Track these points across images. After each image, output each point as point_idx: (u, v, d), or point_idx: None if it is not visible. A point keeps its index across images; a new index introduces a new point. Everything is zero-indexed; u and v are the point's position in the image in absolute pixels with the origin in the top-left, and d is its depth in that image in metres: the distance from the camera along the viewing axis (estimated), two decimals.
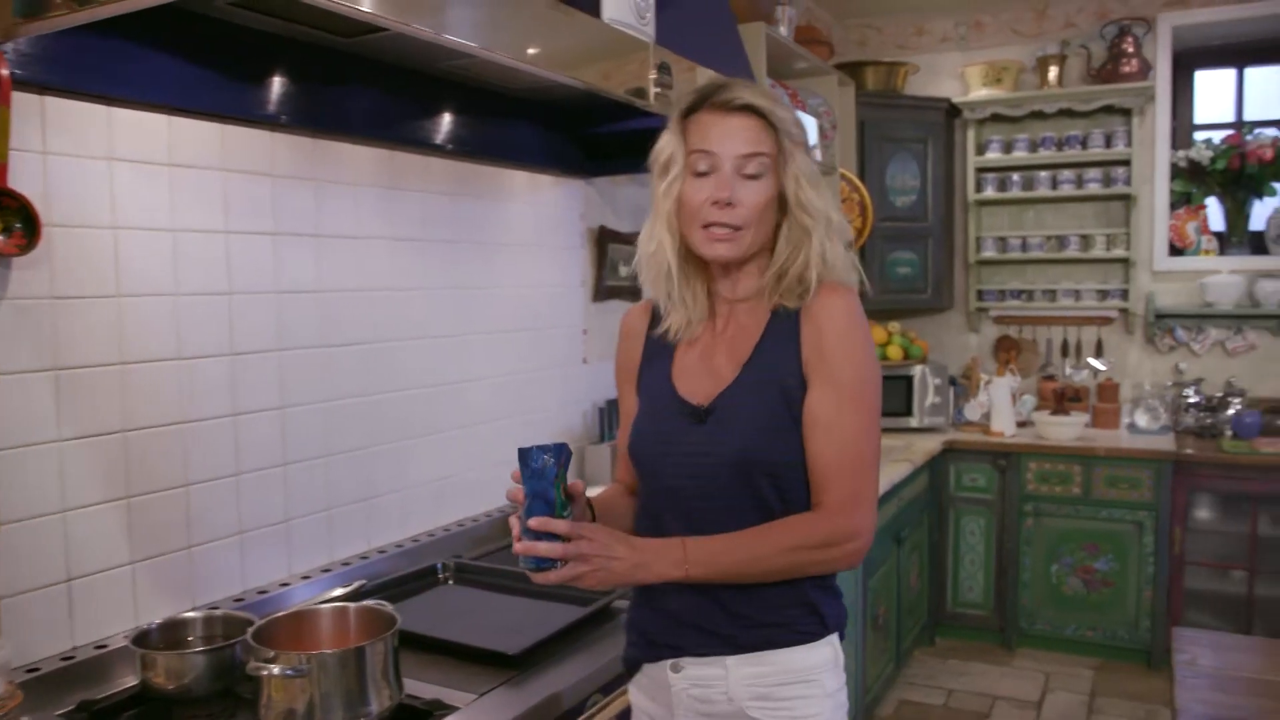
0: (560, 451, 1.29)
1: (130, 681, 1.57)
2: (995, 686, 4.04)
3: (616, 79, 1.91)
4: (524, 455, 1.29)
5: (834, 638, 1.43)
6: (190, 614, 1.68)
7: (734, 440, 1.38)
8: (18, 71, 1.47)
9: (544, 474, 1.28)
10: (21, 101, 1.50)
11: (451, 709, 1.50)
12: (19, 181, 1.50)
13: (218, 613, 1.69)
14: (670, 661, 1.43)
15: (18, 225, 1.50)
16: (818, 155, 2.89)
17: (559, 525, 1.26)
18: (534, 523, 1.26)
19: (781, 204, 1.42)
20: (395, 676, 1.45)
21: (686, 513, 1.41)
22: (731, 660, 1.39)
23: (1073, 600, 4.27)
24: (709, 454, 1.39)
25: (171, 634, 1.62)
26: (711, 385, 1.43)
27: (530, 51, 1.69)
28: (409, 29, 1.46)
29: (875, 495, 1.38)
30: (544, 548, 1.25)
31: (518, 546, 1.27)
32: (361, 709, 1.40)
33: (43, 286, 1.57)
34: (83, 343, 1.63)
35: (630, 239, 3.13)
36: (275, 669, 1.35)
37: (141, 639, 1.56)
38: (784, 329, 1.41)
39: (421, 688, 1.56)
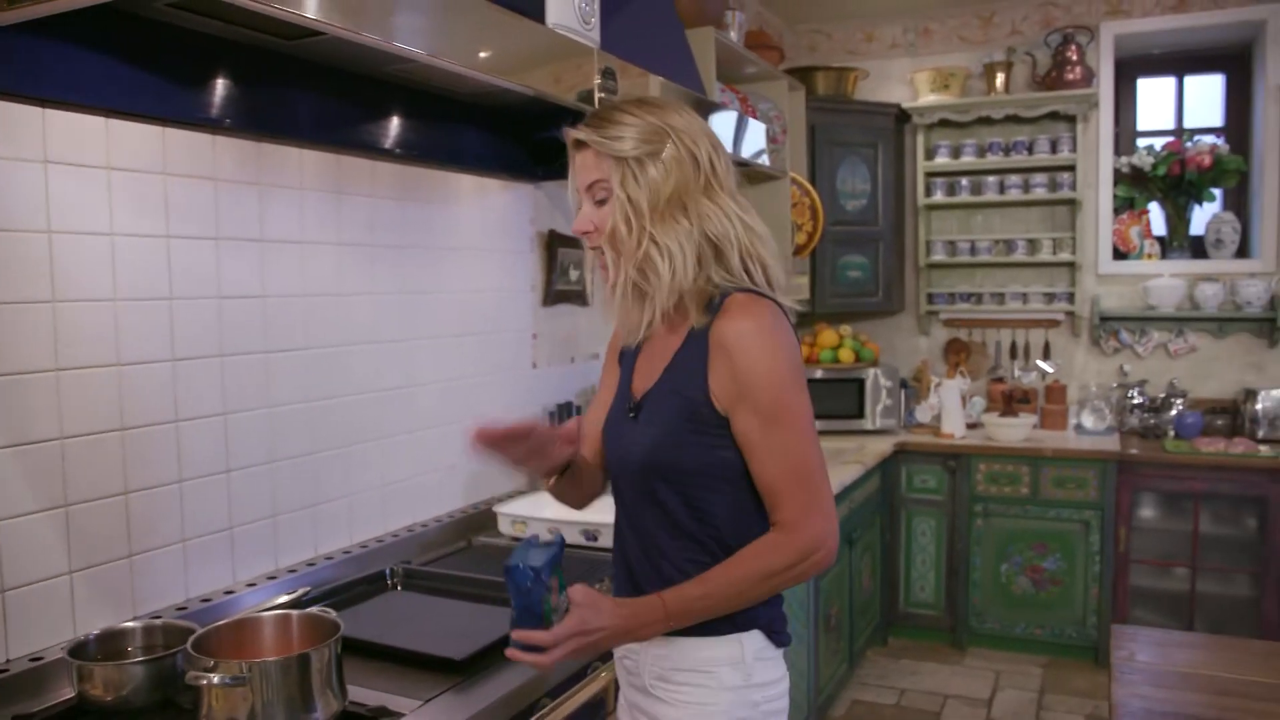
0: (551, 561, 1.31)
1: (67, 694, 1.54)
2: (946, 685, 4.09)
3: (564, 84, 1.92)
4: (510, 573, 1.31)
5: (745, 635, 1.44)
6: (130, 624, 1.66)
7: (645, 440, 1.46)
8: None
9: (531, 593, 1.30)
10: None
11: (397, 715, 1.50)
12: None
13: (158, 622, 1.66)
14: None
15: None
16: (765, 160, 2.91)
17: (542, 638, 1.30)
18: (518, 635, 1.31)
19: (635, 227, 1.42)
20: (339, 684, 1.44)
21: (621, 500, 1.53)
22: (667, 641, 1.45)
23: (1022, 599, 4.34)
24: (632, 447, 1.47)
25: (110, 644, 1.60)
26: (647, 384, 1.50)
27: (476, 57, 1.69)
28: (352, 34, 1.45)
29: (829, 500, 1.41)
30: (530, 659, 1.31)
31: (508, 653, 1.34)
32: (305, 717, 1.38)
33: None
34: (16, 349, 1.60)
35: (581, 244, 3.13)
36: (215, 678, 1.34)
37: (78, 650, 1.54)
38: (694, 345, 1.43)
39: (366, 694, 1.55)
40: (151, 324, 1.82)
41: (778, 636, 1.48)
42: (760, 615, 1.45)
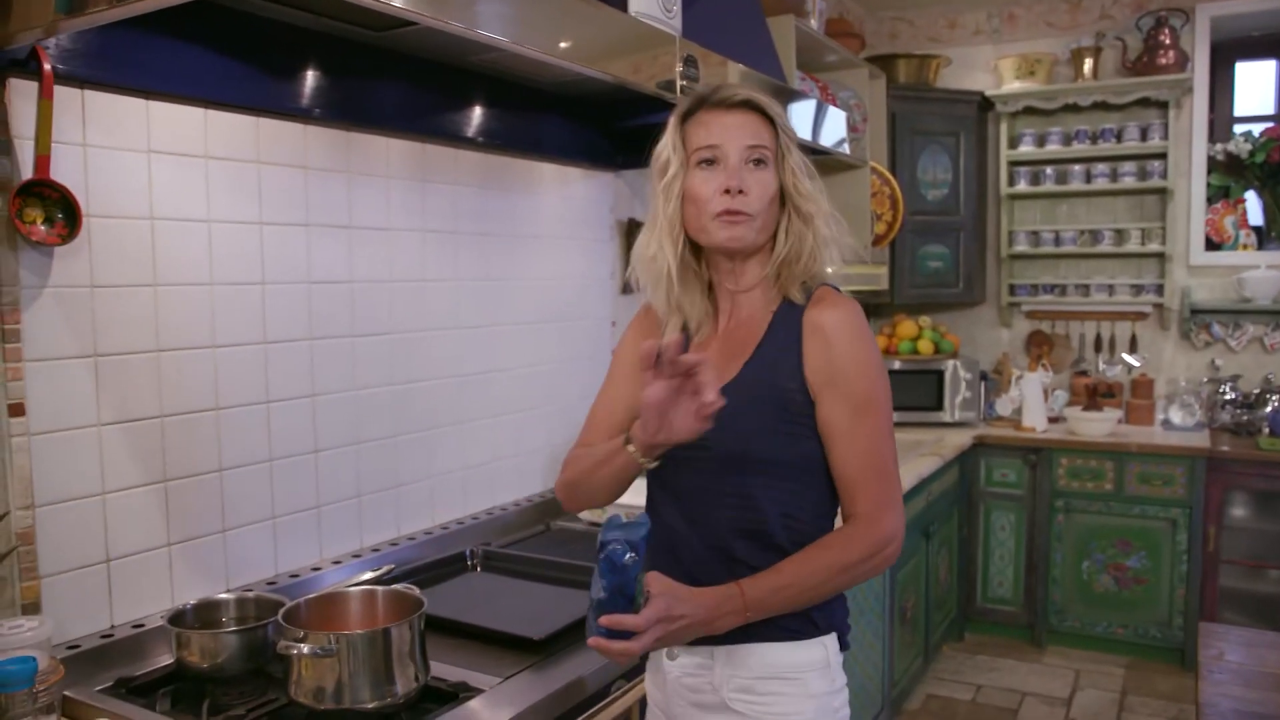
0: (643, 539, 1.24)
1: (166, 660, 1.61)
2: (1024, 683, 4.02)
3: (645, 72, 1.93)
4: (605, 550, 1.23)
5: (826, 639, 1.43)
6: (224, 595, 1.72)
7: (728, 438, 1.37)
8: (59, 66, 1.51)
9: (627, 570, 1.23)
10: (63, 95, 1.54)
11: (477, 691, 1.53)
12: (60, 173, 1.55)
13: (250, 594, 1.73)
14: (667, 650, 1.45)
15: (59, 216, 1.55)
16: (845, 148, 2.88)
17: (633, 622, 1.23)
18: (609, 620, 1.23)
19: (780, 198, 1.45)
20: (421, 658, 1.48)
21: (677, 494, 1.45)
22: (719, 651, 1.41)
23: (1104, 597, 4.24)
24: (705, 448, 1.38)
25: (206, 614, 1.67)
26: (728, 369, 1.43)
27: (559, 45, 1.70)
28: (439, 23, 1.48)
29: (901, 498, 1.41)
30: (619, 648, 1.24)
31: (592, 642, 1.26)
32: (388, 688, 1.43)
33: (83, 275, 1.61)
34: (121, 330, 1.67)
35: None
36: (305, 648, 1.38)
37: (177, 618, 1.61)
38: (787, 331, 1.42)
39: (447, 670, 1.59)
40: (245, 308, 1.89)
41: (846, 642, 1.47)
42: (838, 616, 1.44)
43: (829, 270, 1.47)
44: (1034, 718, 3.72)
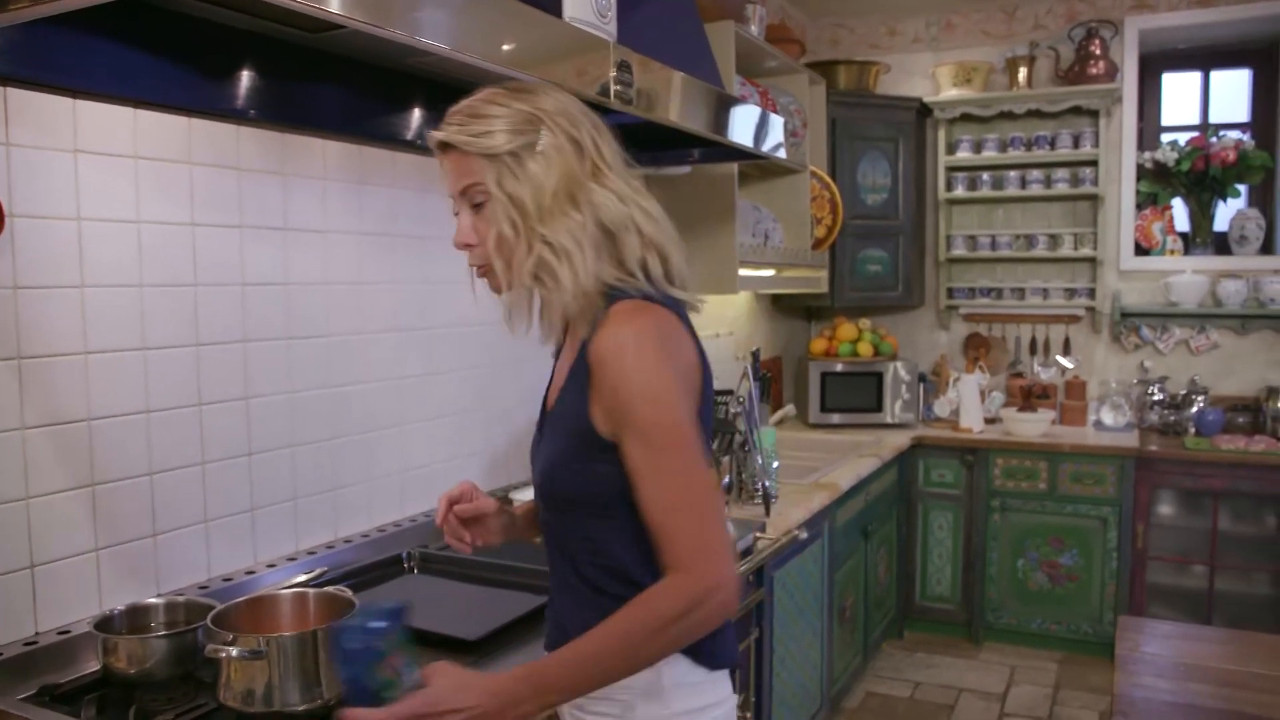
0: (387, 628, 1.16)
1: (92, 666, 1.59)
2: (961, 679, 4.10)
3: (583, 77, 1.94)
4: (334, 636, 1.16)
5: (663, 663, 1.28)
6: (154, 600, 1.70)
7: (538, 473, 1.38)
8: None
9: (357, 661, 1.14)
10: None
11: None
12: None
13: (180, 599, 1.71)
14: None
15: None
16: (783, 153, 2.92)
17: (372, 716, 1.12)
18: (344, 715, 1.13)
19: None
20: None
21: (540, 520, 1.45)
22: None
23: (1038, 594, 4.34)
24: (536, 471, 1.40)
25: (135, 619, 1.65)
26: (551, 399, 1.40)
27: (496, 50, 1.71)
28: (373, 29, 1.48)
29: (721, 536, 1.23)
30: None
31: None
32: (318, 690, 1.42)
33: (6, 276, 1.59)
34: (46, 332, 1.65)
35: None
36: (234, 651, 1.38)
37: (104, 624, 1.59)
38: (580, 366, 1.28)
39: None
40: (176, 309, 1.87)
41: (710, 658, 1.33)
42: None
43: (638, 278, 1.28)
44: (970, 713, 3.80)
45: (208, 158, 1.91)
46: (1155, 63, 4.69)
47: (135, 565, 1.81)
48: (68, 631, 1.66)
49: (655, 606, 1.19)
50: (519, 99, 1.28)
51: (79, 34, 1.59)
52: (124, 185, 1.77)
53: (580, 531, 1.33)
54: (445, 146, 1.30)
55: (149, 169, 1.81)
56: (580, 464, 1.29)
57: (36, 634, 1.64)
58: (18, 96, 1.59)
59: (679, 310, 1.32)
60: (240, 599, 1.61)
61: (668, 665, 1.29)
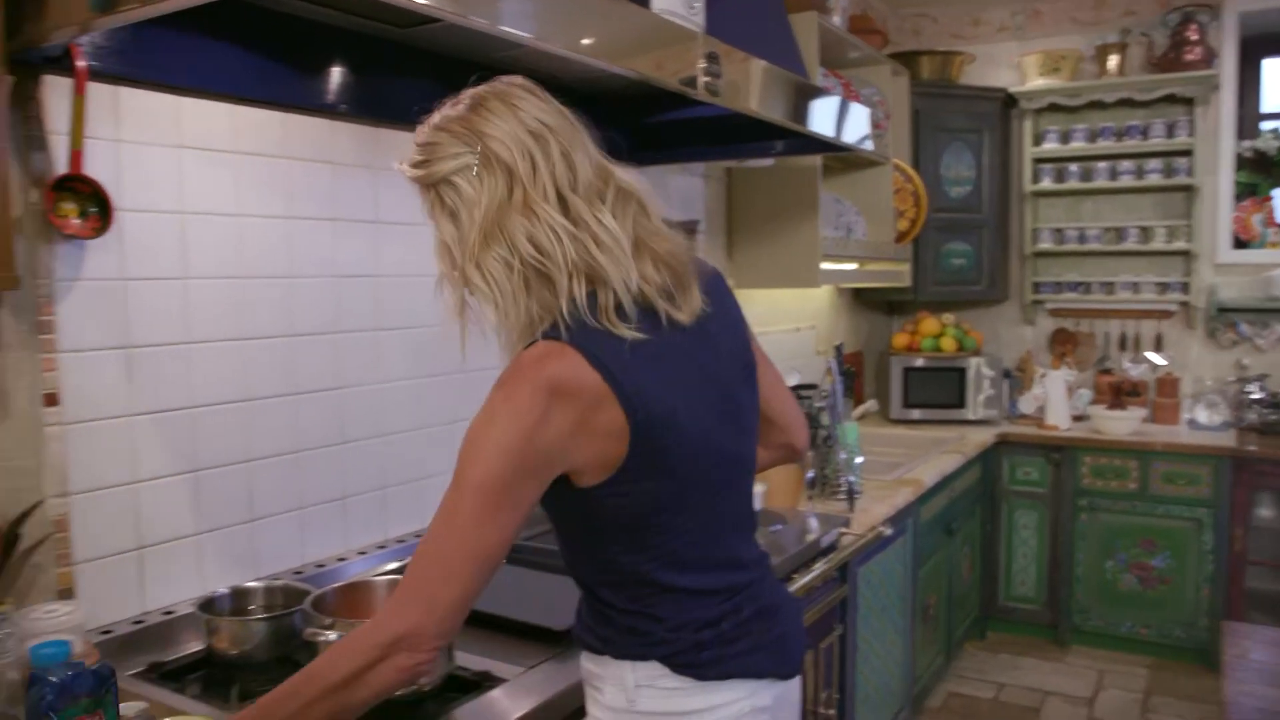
0: (76, 686, 1.16)
1: (195, 646, 1.64)
2: (1046, 682, 4.01)
3: (668, 68, 1.94)
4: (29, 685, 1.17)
5: (625, 663, 1.31)
6: (253, 583, 1.75)
7: None
8: (93, 63, 1.54)
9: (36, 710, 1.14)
10: (96, 92, 1.58)
11: (500, 680, 1.55)
12: (93, 168, 1.58)
13: (278, 583, 1.76)
14: None
15: (92, 210, 1.58)
16: (869, 145, 2.88)
17: None
18: None
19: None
20: (447, 647, 1.50)
21: None
22: None
23: (1128, 597, 4.22)
24: None
25: (236, 602, 1.70)
26: None
27: (583, 42, 1.72)
28: (464, 20, 1.50)
29: (438, 592, 1.15)
30: None
31: None
32: None
33: (114, 268, 1.64)
34: (152, 322, 1.71)
35: (682, 227, 3.15)
36: (331, 635, 1.41)
37: (208, 606, 1.64)
38: None
39: (471, 659, 1.60)
40: (273, 301, 1.91)
41: (692, 669, 1.29)
42: (657, 647, 1.29)
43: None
44: (1057, 717, 3.70)
45: (303, 152, 1.95)
46: (1255, 47, 4.51)
47: (234, 549, 1.86)
48: (172, 612, 1.71)
49: (326, 665, 1.16)
50: (463, 121, 1.23)
51: (182, 34, 1.64)
52: (224, 180, 1.82)
53: (558, 539, 1.37)
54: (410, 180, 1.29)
55: (248, 164, 1.85)
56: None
57: (143, 613, 1.70)
58: (127, 95, 1.64)
59: (594, 354, 1.19)
60: (336, 584, 1.64)
61: (633, 665, 1.30)
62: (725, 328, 1.38)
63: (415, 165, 1.25)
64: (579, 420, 1.17)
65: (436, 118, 1.26)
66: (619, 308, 1.21)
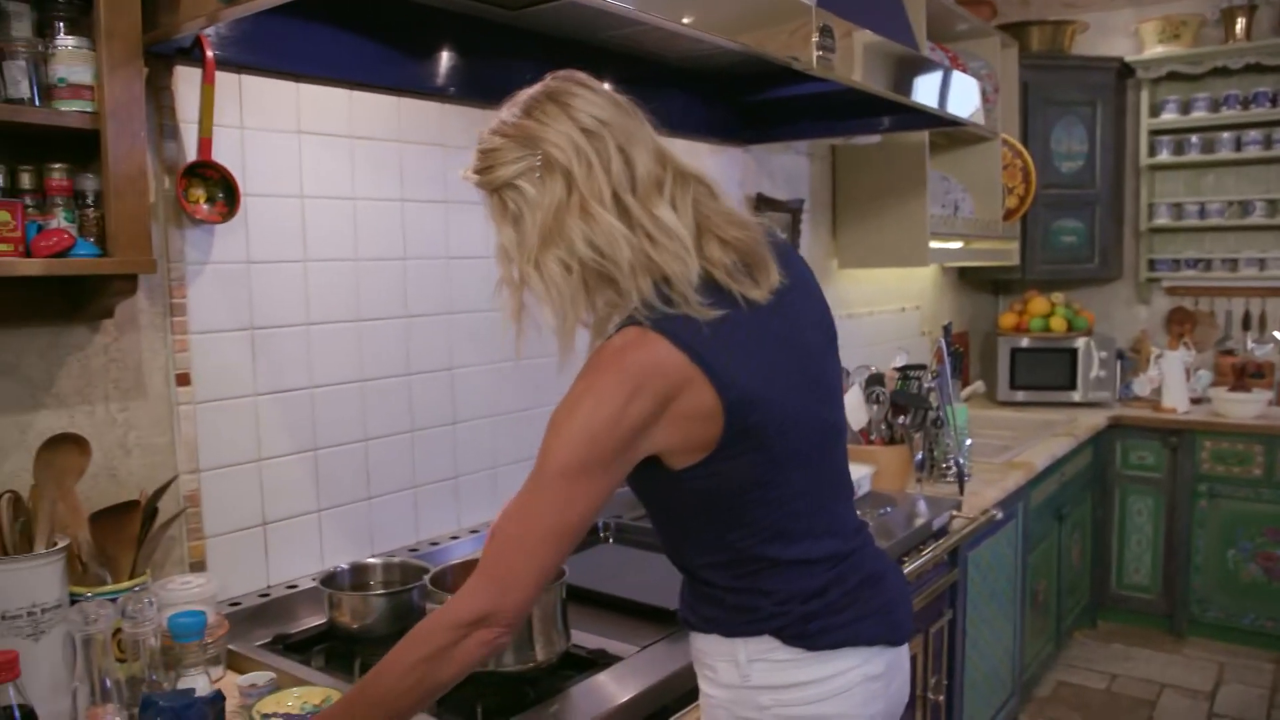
0: (192, 713, 1.20)
1: (317, 619, 1.69)
2: (1162, 674, 3.87)
3: (782, 43, 1.90)
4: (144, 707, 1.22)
5: (738, 640, 1.32)
6: (372, 560, 1.79)
7: None
8: (219, 53, 1.58)
9: None
10: (222, 81, 1.62)
11: (615, 659, 1.56)
12: (220, 154, 1.63)
13: (396, 560, 1.80)
14: None
15: (220, 195, 1.63)
16: (980, 119, 2.79)
17: None
18: None
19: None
20: (563, 625, 1.51)
21: None
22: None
23: (1251, 588, 4.03)
24: None
25: (355, 577, 1.74)
26: None
27: (694, 18, 1.70)
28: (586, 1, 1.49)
29: (518, 570, 1.19)
30: None
31: None
32: (530, 653, 1.46)
33: (240, 252, 1.69)
34: (274, 304, 1.76)
35: (787, 206, 3.12)
36: None
37: (329, 580, 1.68)
38: None
39: (586, 638, 1.62)
40: (387, 282, 1.95)
41: (803, 640, 1.31)
42: (767, 621, 1.31)
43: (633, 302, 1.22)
44: (1174, 711, 3.57)
45: (416, 135, 1.98)
46: None
47: (352, 526, 1.91)
48: (295, 586, 1.77)
49: (411, 644, 1.21)
50: (519, 126, 1.24)
51: (301, 22, 1.68)
52: (341, 164, 1.85)
53: (656, 525, 1.38)
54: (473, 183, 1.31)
55: (363, 148, 1.89)
56: (632, 473, 1.28)
57: (268, 586, 1.76)
58: (250, 83, 1.69)
59: (676, 335, 1.20)
60: (454, 561, 1.67)
61: (745, 643, 1.32)
62: (804, 297, 1.38)
63: (478, 171, 1.27)
64: (664, 404, 1.19)
65: (495, 123, 1.28)
66: (689, 294, 1.21)
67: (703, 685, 1.39)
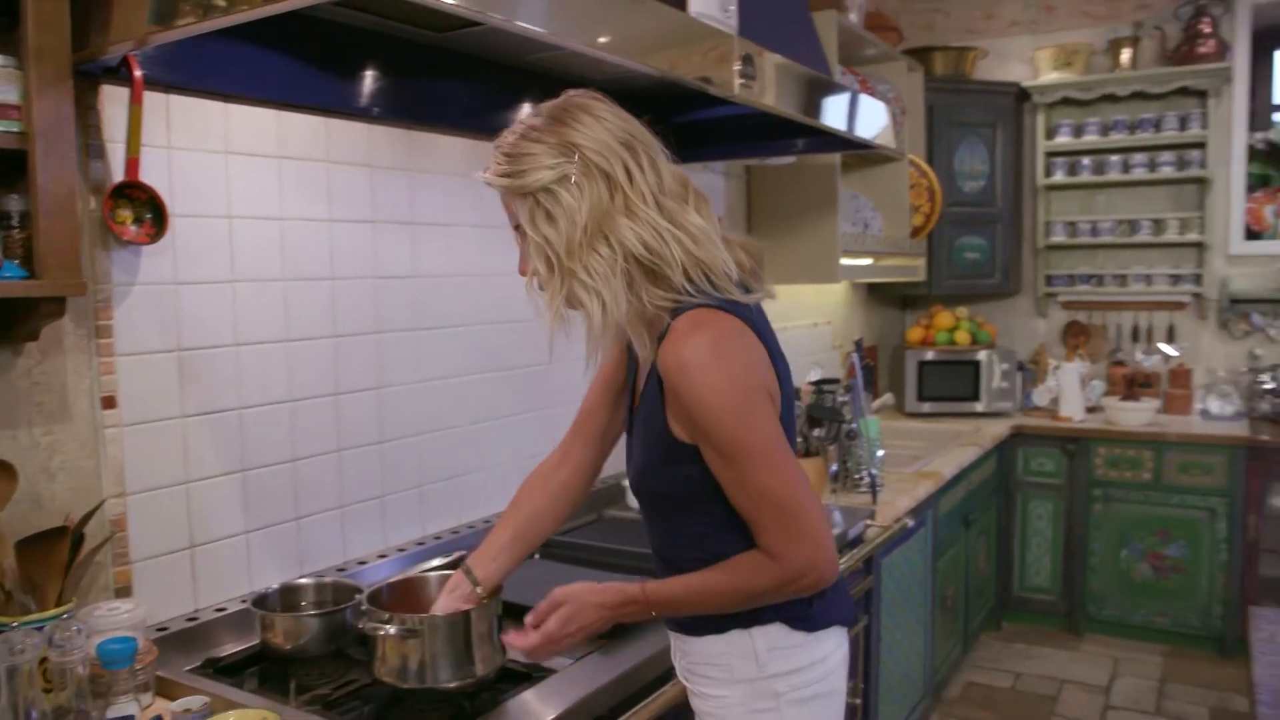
0: None
1: (249, 642, 1.68)
2: (1063, 670, 4.05)
3: (705, 70, 1.96)
4: None
5: (757, 630, 1.39)
6: (304, 580, 1.79)
7: (631, 471, 1.48)
8: (146, 73, 1.57)
9: None
10: (149, 101, 1.61)
11: (550, 672, 1.59)
12: (148, 175, 1.61)
13: (327, 580, 1.80)
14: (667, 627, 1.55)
15: (148, 216, 1.62)
16: (890, 140, 2.91)
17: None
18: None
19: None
20: (499, 640, 1.54)
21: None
22: (674, 636, 1.51)
23: (1142, 586, 4.26)
24: (630, 469, 1.49)
25: (286, 598, 1.74)
26: (635, 396, 1.47)
27: (622, 45, 1.74)
28: (507, 25, 1.52)
29: (814, 524, 1.31)
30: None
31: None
32: (468, 668, 1.48)
33: (168, 272, 1.68)
34: (202, 325, 1.74)
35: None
36: (390, 629, 1.44)
37: (260, 602, 1.67)
38: (653, 375, 1.36)
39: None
40: (316, 302, 1.95)
41: (806, 622, 1.41)
42: (779, 608, 1.38)
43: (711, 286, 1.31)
44: (1074, 705, 3.75)
45: (344, 156, 1.99)
46: (1267, 39, 4.53)
47: (280, 547, 1.90)
48: (224, 609, 1.75)
49: (749, 579, 1.33)
50: (554, 132, 1.29)
51: (229, 42, 1.68)
52: (269, 184, 1.85)
53: (679, 527, 1.42)
54: (490, 185, 1.34)
55: (292, 168, 1.89)
56: (668, 468, 1.37)
57: (196, 610, 1.74)
58: (178, 103, 1.68)
59: (739, 312, 1.32)
60: (392, 578, 1.67)
61: (761, 633, 1.39)
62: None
63: (507, 175, 1.30)
64: (744, 371, 1.31)
65: (521, 129, 1.32)
66: (722, 284, 1.32)
67: (708, 689, 1.44)
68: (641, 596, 1.37)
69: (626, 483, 2.61)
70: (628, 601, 1.38)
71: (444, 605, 1.52)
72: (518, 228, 1.35)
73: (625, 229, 1.27)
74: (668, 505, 1.42)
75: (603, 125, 1.30)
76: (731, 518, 1.35)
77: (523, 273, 1.40)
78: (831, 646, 1.45)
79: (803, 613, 1.40)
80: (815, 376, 3.10)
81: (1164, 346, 4.60)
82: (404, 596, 1.63)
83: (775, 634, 1.39)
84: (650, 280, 1.29)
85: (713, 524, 1.37)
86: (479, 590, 1.52)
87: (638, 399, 1.44)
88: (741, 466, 1.29)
